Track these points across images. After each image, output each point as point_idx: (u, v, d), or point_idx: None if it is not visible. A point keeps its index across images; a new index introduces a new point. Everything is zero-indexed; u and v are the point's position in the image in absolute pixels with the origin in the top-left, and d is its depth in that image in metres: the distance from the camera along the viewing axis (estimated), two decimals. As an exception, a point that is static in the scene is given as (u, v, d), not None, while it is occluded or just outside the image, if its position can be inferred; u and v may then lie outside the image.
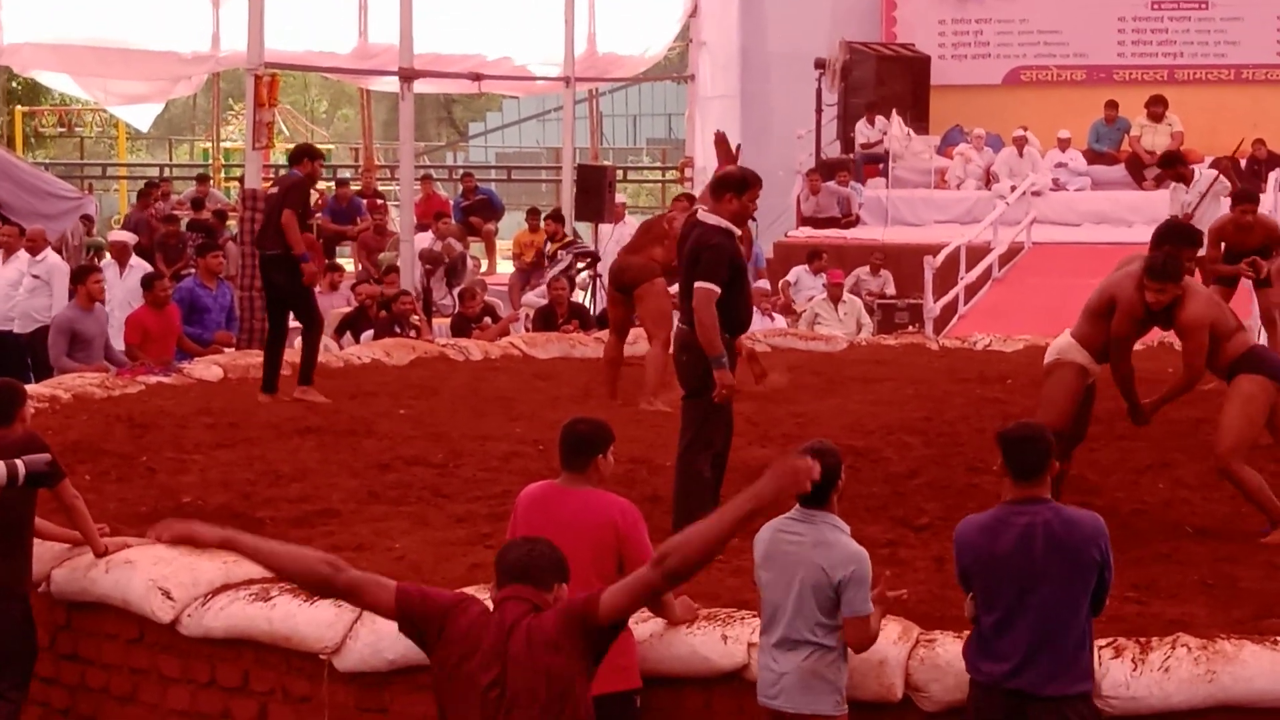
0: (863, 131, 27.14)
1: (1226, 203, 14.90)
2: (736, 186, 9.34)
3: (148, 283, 15.89)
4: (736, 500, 5.48)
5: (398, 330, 17.45)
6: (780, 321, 19.78)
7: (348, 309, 18.65)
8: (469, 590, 7.66)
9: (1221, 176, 15.59)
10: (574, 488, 6.98)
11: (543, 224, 23.60)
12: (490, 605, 5.69)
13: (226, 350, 15.85)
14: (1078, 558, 6.47)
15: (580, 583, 6.59)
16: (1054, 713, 6.45)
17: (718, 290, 9.11)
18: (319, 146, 14.62)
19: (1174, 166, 16.08)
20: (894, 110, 26.94)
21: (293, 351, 13.55)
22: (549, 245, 23.02)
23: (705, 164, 26.77)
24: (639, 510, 7.05)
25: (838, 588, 6.68)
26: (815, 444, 6.89)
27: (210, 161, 35.69)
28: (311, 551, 5.94)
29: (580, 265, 22.21)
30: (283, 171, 32.85)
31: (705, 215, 9.39)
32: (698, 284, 9.13)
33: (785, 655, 6.75)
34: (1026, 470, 6.62)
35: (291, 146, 40.58)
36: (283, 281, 13.16)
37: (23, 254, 16.83)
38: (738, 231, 9.34)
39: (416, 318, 18.05)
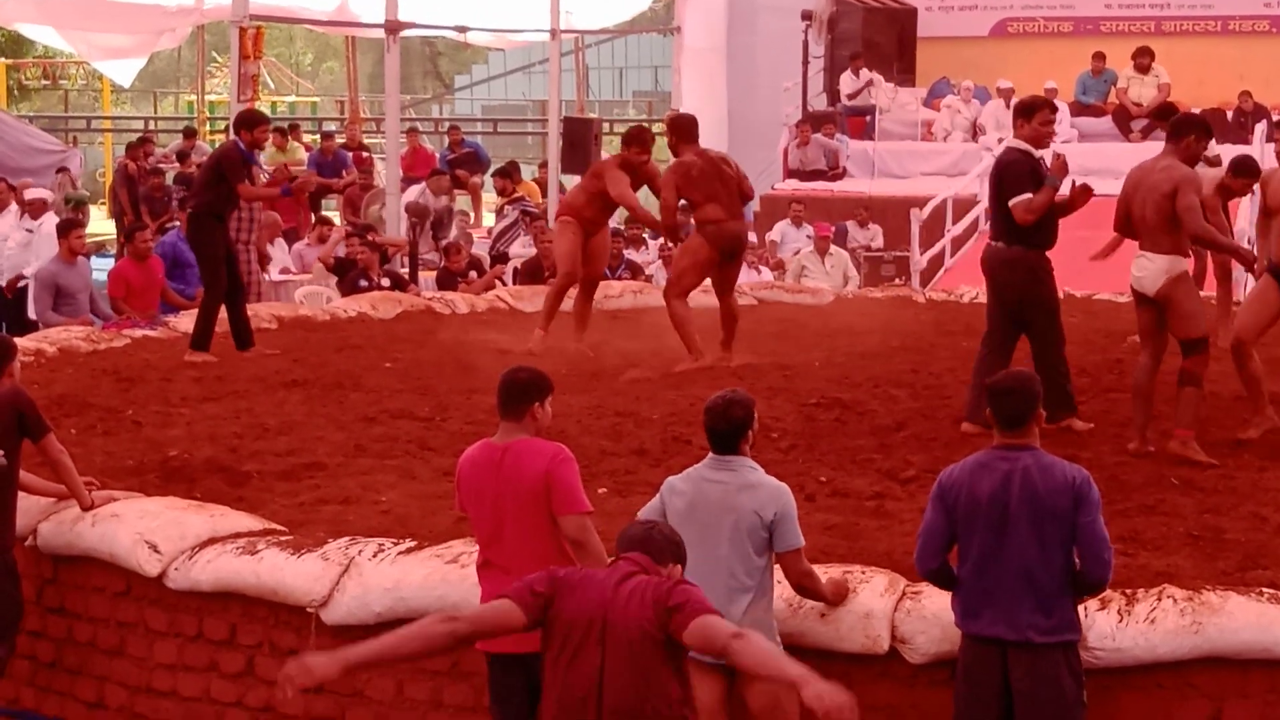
0: (847, 82, 27.11)
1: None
2: (1025, 112, 10.27)
3: (129, 235, 15.88)
4: (793, 668, 5.44)
5: (364, 284, 17.41)
6: (767, 274, 19.78)
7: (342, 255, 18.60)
8: (457, 543, 7.70)
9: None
10: (509, 440, 6.87)
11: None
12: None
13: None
14: (1047, 504, 6.52)
15: (530, 532, 6.59)
16: (1033, 660, 6.49)
17: (1027, 196, 9.96)
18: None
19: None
20: (877, 70, 26.95)
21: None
22: (498, 200, 23.01)
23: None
24: (572, 454, 6.91)
25: (770, 526, 6.75)
26: (727, 395, 7.03)
27: (195, 115, 35.56)
28: (423, 622, 5.84)
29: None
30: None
31: (1011, 141, 10.38)
32: (1011, 204, 10.01)
33: (727, 607, 6.75)
34: (1012, 419, 6.70)
35: (276, 99, 40.52)
36: (191, 240, 13.47)
37: (13, 207, 16.83)
38: (1037, 152, 10.18)
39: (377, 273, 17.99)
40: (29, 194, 18.49)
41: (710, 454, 6.97)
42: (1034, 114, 10.22)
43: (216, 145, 29.23)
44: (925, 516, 6.82)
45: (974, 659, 6.61)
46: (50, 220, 17.44)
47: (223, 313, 13.02)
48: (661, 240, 19.01)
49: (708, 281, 13.50)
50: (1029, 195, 9.96)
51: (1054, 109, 10.66)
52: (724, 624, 5.62)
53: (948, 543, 6.72)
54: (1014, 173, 10.08)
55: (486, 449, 6.95)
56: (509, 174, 23.58)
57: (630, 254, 19.54)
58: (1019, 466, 6.58)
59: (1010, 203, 10.01)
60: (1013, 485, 6.55)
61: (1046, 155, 10.26)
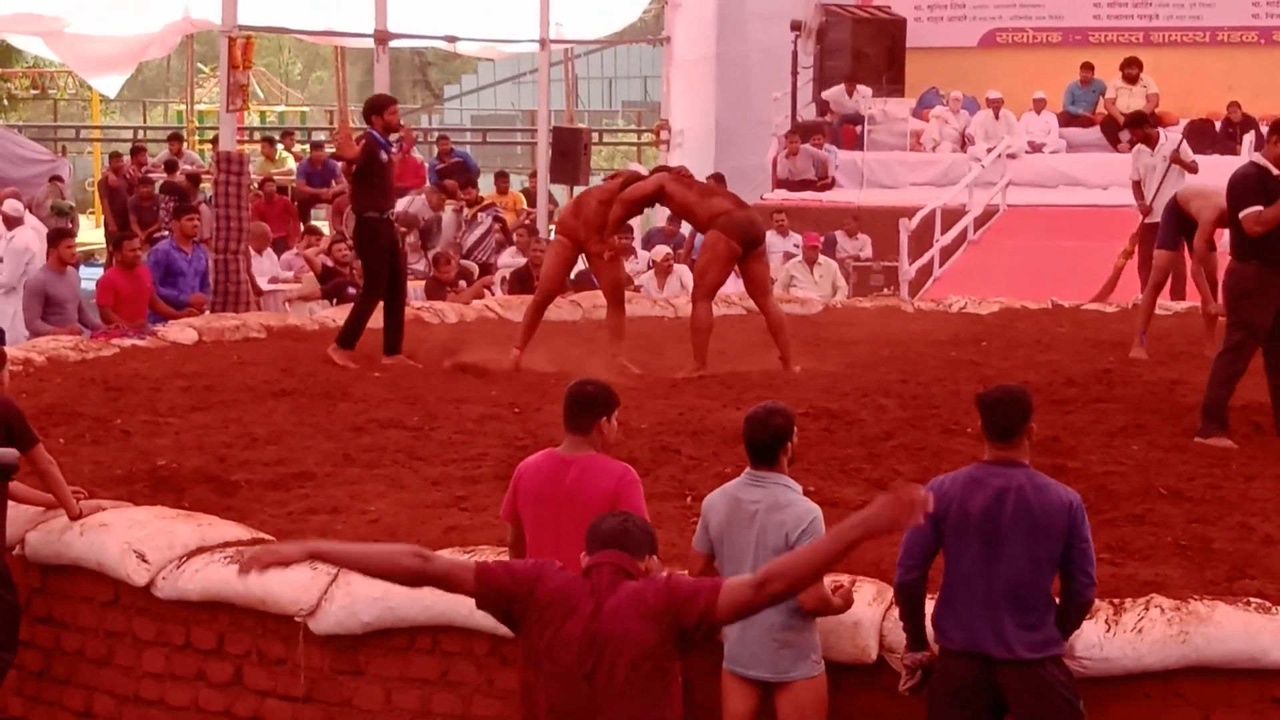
0: (845, 104, 27.14)
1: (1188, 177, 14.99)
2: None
3: (117, 243, 15.88)
4: (844, 528, 5.45)
5: (352, 291, 17.43)
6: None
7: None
8: (446, 553, 7.68)
9: (1185, 145, 15.70)
10: (574, 453, 6.83)
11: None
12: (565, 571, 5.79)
13: (204, 313, 15.83)
14: (1042, 523, 6.49)
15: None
16: (1024, 676, 6.47)
17: (1257, 208, 10.19)
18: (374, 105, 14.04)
19: (1141, 127, 16.13)
20: (865, 82, 27.00)
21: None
22: (466, 210, 23.04)
23: (682, 126, 26.72)
24: (638, 476, 6.90)
25: (794, 546, 6.62)
26: (769, 404, 6.98)
27: (185, 124, 35.56)
28: (398, 547, 5.92)
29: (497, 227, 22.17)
30: (257, 134, 32.79)
31: (1254, 155, 10.72)
32: (1242, 215, 10.27)
33: (756, 624, 6.73)
34: (1002, 431, 6.65)
35: (265, 109, 40.42)
36: (355, 242, 13.60)
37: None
38: (1275, 170, 10.33)
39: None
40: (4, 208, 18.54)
41: (747, 468, 6.90)
42: None
43: (205, 154, 29.37)
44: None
45: (957, 674, 6.57)
46: (22, 234, 17.44)
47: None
48: (654, 251, 19.14)
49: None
50: (1259, 208, 10.18)
51: None
52: (744, 579, 5.61)
53: (931, 554, 6.70)
54: (1242, 187, 10.35)
55: (552, 458, 6.90)
56: (473, 182, 23.59)
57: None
58: (1013, 484, 6.55)
59: (1241, 214, 10.26)
60: (1006, 502, 6.52)
61: None
